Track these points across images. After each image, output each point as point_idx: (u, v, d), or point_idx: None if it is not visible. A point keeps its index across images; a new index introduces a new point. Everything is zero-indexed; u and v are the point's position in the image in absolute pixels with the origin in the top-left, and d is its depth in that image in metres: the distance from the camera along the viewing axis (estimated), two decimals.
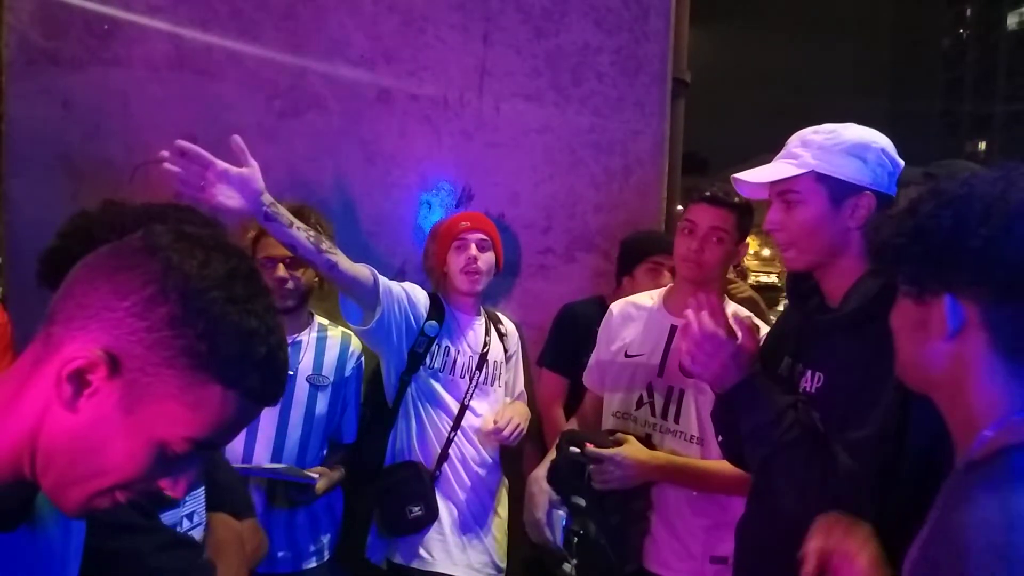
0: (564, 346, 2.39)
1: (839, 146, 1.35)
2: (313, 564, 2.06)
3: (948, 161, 1.75)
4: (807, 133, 1.40)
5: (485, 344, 2.21)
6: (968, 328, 0.83)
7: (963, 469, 0.83)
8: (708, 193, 1.87)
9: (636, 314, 2.02)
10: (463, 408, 2.14)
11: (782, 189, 1.39)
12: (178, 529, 1.21)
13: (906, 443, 1.21)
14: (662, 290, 2.06)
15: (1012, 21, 56.00)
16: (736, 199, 1.82)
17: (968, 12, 62.61)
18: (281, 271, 1.98)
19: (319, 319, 2.15)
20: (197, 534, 1.26)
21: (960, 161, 1.76)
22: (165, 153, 1.60)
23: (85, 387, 0.68)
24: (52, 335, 0.71)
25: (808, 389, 1.40)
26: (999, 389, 0.81)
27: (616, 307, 2.08)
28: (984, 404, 0.82)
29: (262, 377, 0.72)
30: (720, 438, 1.59)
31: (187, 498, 1.27)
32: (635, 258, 2.41)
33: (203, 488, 1.30)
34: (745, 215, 1.88)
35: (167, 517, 1.19)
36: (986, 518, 0.72)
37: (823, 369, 1.38)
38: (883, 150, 1.36)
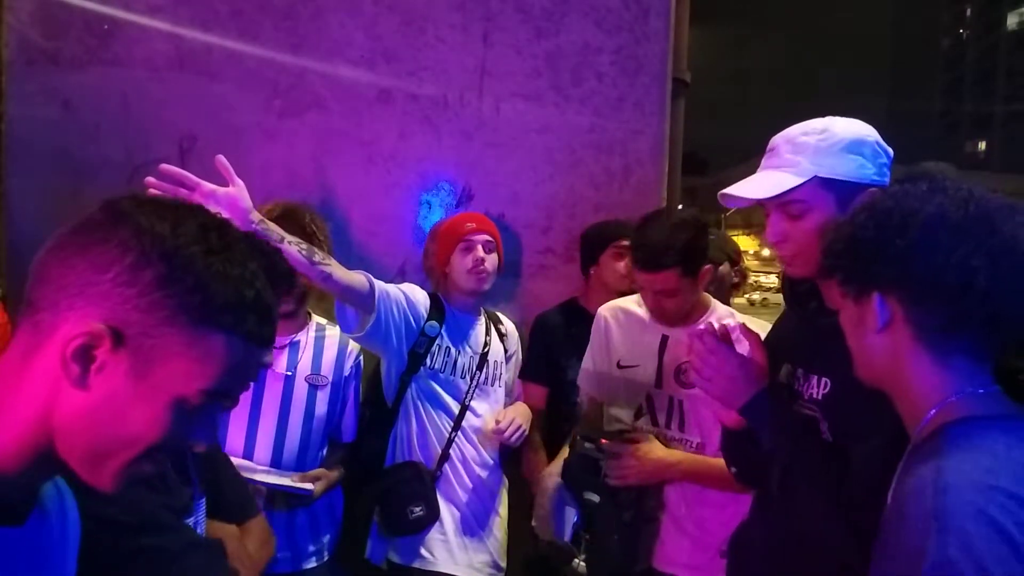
0: (539, 356, 2.37)
1: (836, 145, 1.28)
2: (313, 564, 2.06)
3: (923, 164, 1.73)
4: (796, 135, 1.32)
5: (485, 344, 2.21)
6: (895, 323, 0.94)
7: (911, 450, 0.92)
8: (638, 258, 1.79)
9: (625, 321, 2.00)
10: (463, 408, 2.14)
11: (784, 200, 1.30)
12: None
13: None
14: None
15: (1012, 21, 56.03)
16: (669, 259, 1.75)
17: (968, 12, 62.63)
18: None
19: (317, 319, 2.15)
20: None
21: (934, 163, 1.73)
22: (151, 179, 1.60)
23: (91, 363, 0.69)
24: (39, 323, 0.70)
25: (815, 395, 1.35)
26: (931, 377, 0.91)
27: (606, 311, 2.05)
28: (922, 391, 0.92)
29: (258, 319, 0.74)
30: (734, 469, 1.54)
31: (195, 507, 1.27)
32: (599, 246, 2.39)
33: (204, 499, 1.31)
34: (694, 253, 1.78)
35: None
36: (922, 486, 0.81)
37: (830, 375, 1.33)
38: (877, 142, 1.32)
